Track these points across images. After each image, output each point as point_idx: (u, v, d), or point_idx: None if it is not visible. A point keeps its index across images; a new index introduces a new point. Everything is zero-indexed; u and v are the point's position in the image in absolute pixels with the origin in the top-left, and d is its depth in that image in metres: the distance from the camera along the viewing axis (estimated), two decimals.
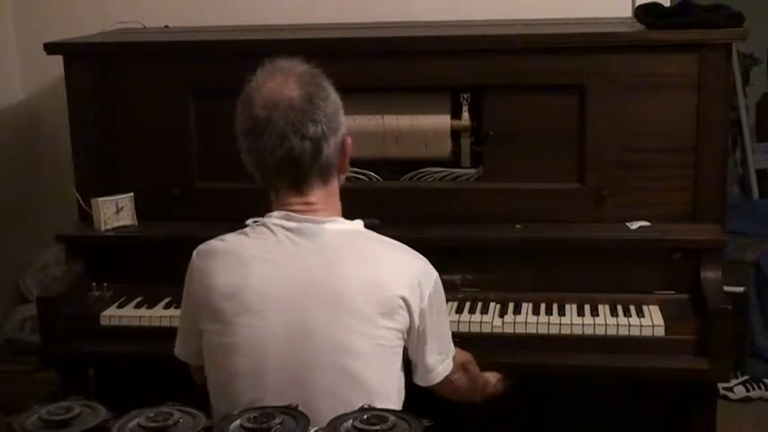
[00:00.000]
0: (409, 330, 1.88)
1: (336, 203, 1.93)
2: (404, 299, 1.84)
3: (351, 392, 1.79)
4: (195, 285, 1.89)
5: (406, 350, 1.92)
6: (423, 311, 1.88)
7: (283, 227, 1.85)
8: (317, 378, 1.79)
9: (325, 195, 1.89)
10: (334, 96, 1.88)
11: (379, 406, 1.75)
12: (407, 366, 1.95)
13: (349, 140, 1.93)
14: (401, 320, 1.85)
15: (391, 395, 1.86)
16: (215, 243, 1.90)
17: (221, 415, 1.76)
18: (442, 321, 1.98)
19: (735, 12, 2.55)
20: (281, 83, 1.84)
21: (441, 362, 1.99)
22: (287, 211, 1.87)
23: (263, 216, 1.91)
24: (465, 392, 2.18)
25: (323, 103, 1.84)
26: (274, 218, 1.87)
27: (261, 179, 1.89)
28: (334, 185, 1.93)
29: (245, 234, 1.89)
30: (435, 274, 1.92)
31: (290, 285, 1.81)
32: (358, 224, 1.92)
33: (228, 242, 1.89)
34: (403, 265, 1.88)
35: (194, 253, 1.92)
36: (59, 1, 3.44)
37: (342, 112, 1.90)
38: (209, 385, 1.90)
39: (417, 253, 1.92)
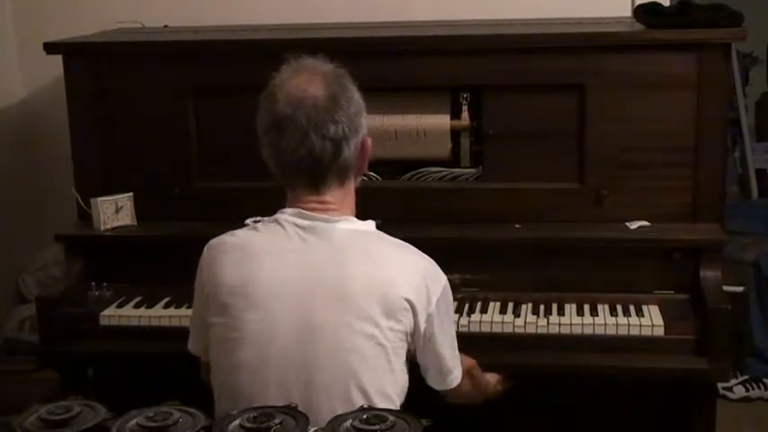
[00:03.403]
0: (414, 333, 1.88)
1: (351, 204, 1.93)
2: (409, 301, 1.83)
3: (353, 392, 1.79)
4: (204, 279, 1.90)
5: (411, 353, 1.92)
6: (430, 315, 1.87)
7: (295, 224, 1.85)
8: (320, 376, 1.80)
9: (342, 196, 1.89)
10: (357, 98, 1.88)
11: (380, 406, 1.76)
12: (413, 368, 1.96)
13: (369, 142, 1.93)
14: (405, 322, 1.85)
15: (392, 396, 1.86)
16: (225, 237, 1.91)
17: (224, 410, 1.77)
18: (451, 326, 1.98)
19: (734, 11, 2.55)
20: (307, 81, 1.84)
21: (456, 366, 2.00)
22: (300, 208, 1.87)
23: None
24: (469, 396, 2.19)
25: (346, 104, 1.84)
26: (287, 214, 1.87)
27: (278, 176, 1.89)
28: (351, 186, 1.93)
29: (256, 229, 1.89)
30: (444, 278, 1.92)
31: (298, 283, 1.82)
32: (370, 224, 1.92)
33: (239, 237, 1.89)
34: (411, 268, 1.87)
35: (205, 247, 1.92)
36: (59, 1, 3.44)
37: (364, 114, 1.90)
38: (213, 380, 1.91)
39: (426, 256, 1.91)
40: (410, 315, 1.85)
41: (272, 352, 1.81)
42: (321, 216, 1.86)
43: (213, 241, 1.92)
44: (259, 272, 1.83)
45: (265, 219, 1.90)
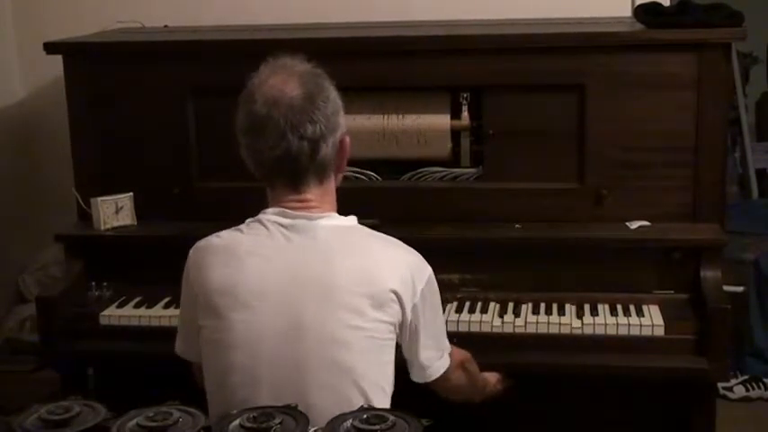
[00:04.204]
0: (401, 325, 1.89)
1: (332, 201, 1.94)
2: (395, 292, 1.84)
3: (344, 385, 1.80)
4: (192, 281, 1.91)
5: (399, 346, 1.92)
6: (415, 306, 1.88)
7: (278, 223, 1.86)
8: (311, 372, 1.80)
9: (321, 194, 1.90)
10: (334, 97, 1.89)
11: (372, 398, 1.78)
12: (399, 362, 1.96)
13: (347, 140, 1.93)
14: (393, 314, 1.85)
15: (384, 387, 1.87)
16: (211, 239, 1.92)
17: (217, 412, 1.77)
18: (436, 318, 1.98)
19: (734, 11, 2.55)
20: (283, 81, 1.84)
21: (437, 359, 2.00)
22: (282, 207, 1.88)
23: None
24: (464, 391, 2.19)
25: (323, 103, 1.85)
26: (269, 214, 1.88)
27: (258, 176, 1.91)
28: (331, 184, 1.94)
29: (240, 230, 1.90)
30: (429, 269, 1.93)
31: (284, 280, 1.82)
32: (352, 220, 1.93)
33: (223, 238, 1.90)
34: (395, 260, 1.88)
35: (191, 249, 1.93)
36: (59, 1, 3.44)
37: (342, 113, 1.90)
38: (205, 382, 1.91)
39: (410, 248, 1.92)
40: (397, 306, 1.86)
41: (262, 351, 1.81)
42: (303, 214, 1.87)
43: (199, 243, 1.93)
44: (245, 272, 1.84)
45: (249, 219, 1.91)
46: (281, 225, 1.86)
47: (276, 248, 1.85)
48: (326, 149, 1.85)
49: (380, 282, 1.83)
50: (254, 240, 1.86)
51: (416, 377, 2.01)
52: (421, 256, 1.92)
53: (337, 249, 1.85)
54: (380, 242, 1.91)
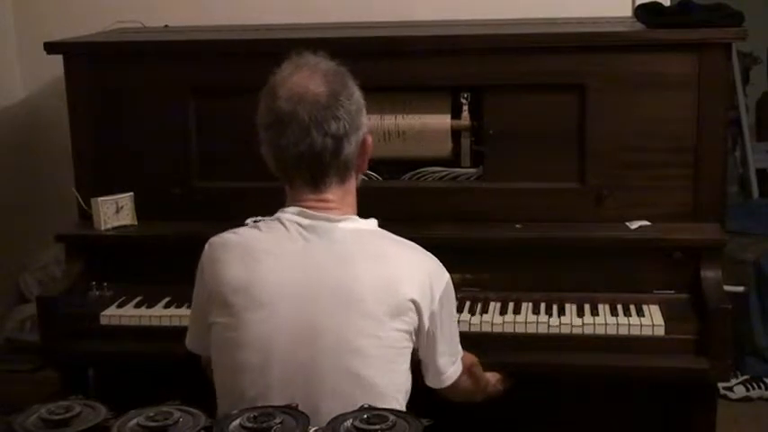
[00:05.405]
0: (418, 332, 1.88)
1: (352, 202, 1.93)
2: (414, 301, 1.83)
3: (356, 393, 1.78)
4: (206, 277, 1.89)
5: (415, 351, 1.92)
6: (433, 313, 1.87)
7: (297, 223, 1.85)
8: (323, 377, 1.79)
9: (342, 194, 1.89)
10: (357, 95, 1.88)
11: (385, 407, 1.76)
12: (415, 367, 1.95)
13: (370, 140, 1.93)
14: (410, 322, 1.84)
15: (397, 396, 1.86)
16: (228, 235, 1.90)
17: (226, 410, 1.76)
18: (452, 324, 1.98)
19: (735, 11, 2.55)
20: (308, 77, 1.84)
21: (452, 363, 2.00)
22: (302, 207, 1.86)
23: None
24: (468, 394, 2.19)
25: (347, 101, 1.84)
26: (288, 213, 1.87)
27: (278, 173, 1.89)
28: (352, 184, 1.92)
29: (258, 228, 1.88)
30: (447, 275, 1.92)
31: (301, 282, 1.81)
32: (372, 223, 1.92)
33: (241, 235, 1.89)
34: (415, 266, 1.87)
35: (207, 244, 1.91)
36: (59, 1, 3.44)
37: (364, 111, 1.90)
38: (215, 380, 1.90)
39: (430, 254, 1.91)
40: (415, 315, 1.84)
41: (274, 352, 1.80)
42: (323, 215, 1.85)
43: (215, 238, 1.91)
44: (262, 272, 1.82)
45: (266, 218, 1.90)
46: (301, 225, 1.85)
47: (294, 249, 1.83)
48: (350, 148, 1.85)
49: (399, 290, 1.82)
50: (272, 239, 1.85)
51: (432, 382, 2.00)
52: (439, 262, 1.91)
53: (356, 254, 1.84)
54: (399, 247, 1.90)
